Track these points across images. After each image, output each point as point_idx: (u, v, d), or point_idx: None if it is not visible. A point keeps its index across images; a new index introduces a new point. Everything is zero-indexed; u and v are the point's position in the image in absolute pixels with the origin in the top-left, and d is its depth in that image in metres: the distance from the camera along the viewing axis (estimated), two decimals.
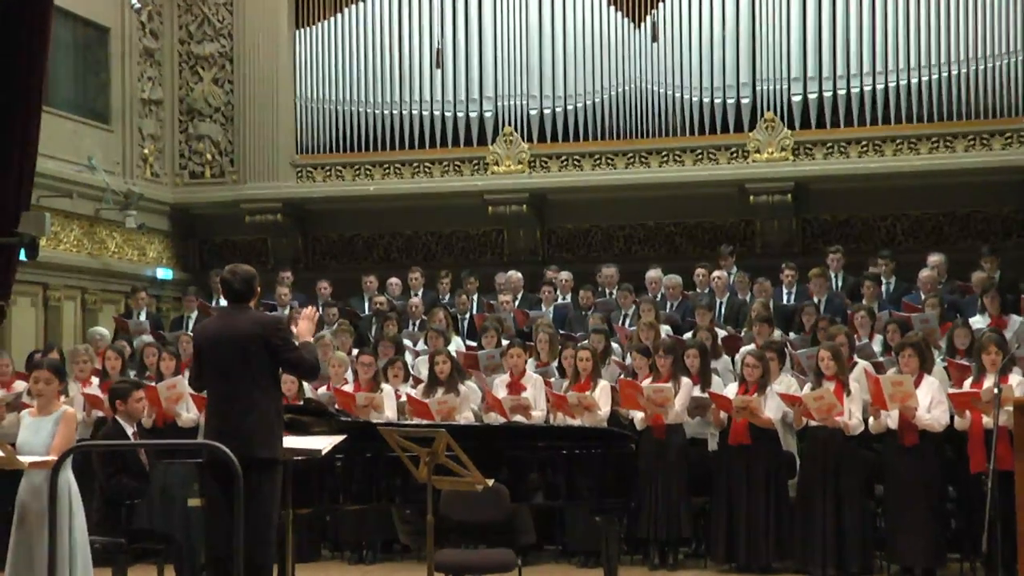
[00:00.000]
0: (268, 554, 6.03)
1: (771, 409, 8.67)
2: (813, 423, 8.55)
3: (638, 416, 9.02)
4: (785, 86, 13.75)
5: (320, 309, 12.70)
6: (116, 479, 7.14)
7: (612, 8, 14.17)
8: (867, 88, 13.56)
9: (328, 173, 14.82)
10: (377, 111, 14.64)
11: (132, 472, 7.16)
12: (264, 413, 6.00)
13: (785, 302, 12.01)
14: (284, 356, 6.08)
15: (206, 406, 6.30)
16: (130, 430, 7.49)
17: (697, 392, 9.10)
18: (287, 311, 12.42)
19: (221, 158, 15.01)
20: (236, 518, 5.29)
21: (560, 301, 12.56)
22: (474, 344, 11.31)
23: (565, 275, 13.00)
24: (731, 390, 8.92)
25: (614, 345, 10.69)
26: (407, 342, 11.31)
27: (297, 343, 6.24)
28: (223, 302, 6.64)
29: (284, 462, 6.22)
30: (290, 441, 6.40)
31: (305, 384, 9.50)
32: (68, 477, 6.36)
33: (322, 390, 9.77)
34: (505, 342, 10.32)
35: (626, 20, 14.13)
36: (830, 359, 8.57)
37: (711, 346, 9.91)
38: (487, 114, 14.41)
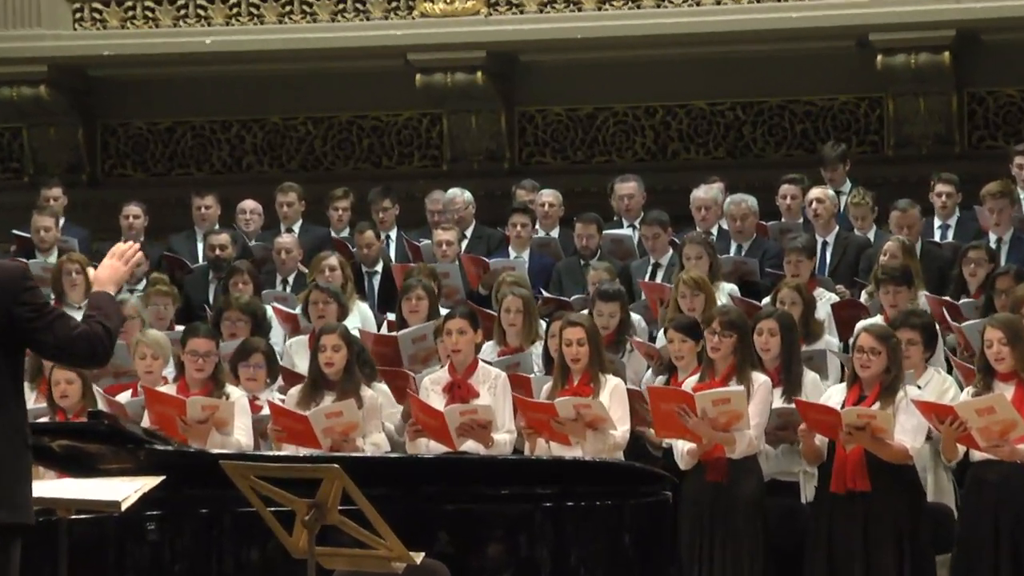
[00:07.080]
0: None
1: (906, 430, 8.67)
2: (979, 455, 8.63)
3: (683, 446, 9.01)
4: None
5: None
6: None
7: None
8: None
9: (129, 14, 14.77)
10: None
11: None
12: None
13: (939, 240, 12.10)
14: (42, 331, 5.88)
15: None
16: None
17: (780, 400, 9.15)
18: (52, 258, 12.39)
19: None
20: None
21: (540, 237, 12.63)
22: (391, 318, 11.36)
23: (549, 195, 13.06)
24: (835, 395, 8.95)
25: (635, 317, 10.75)
26: (273, 309, 11.37)
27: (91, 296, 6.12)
28: None
29: (49, 525, 6.21)
30: (63, 488, 6.39)
31: (93, 385, 9.49)
32: None
33: (126, 395, 9.79)
34: (444, 312, 10.36)
35: None
36: (1001, 343, 8.62)
37: (805, 319, 9.98)
38: None
